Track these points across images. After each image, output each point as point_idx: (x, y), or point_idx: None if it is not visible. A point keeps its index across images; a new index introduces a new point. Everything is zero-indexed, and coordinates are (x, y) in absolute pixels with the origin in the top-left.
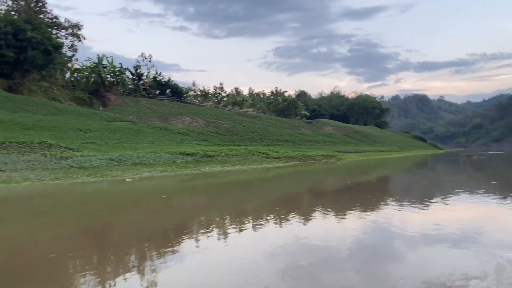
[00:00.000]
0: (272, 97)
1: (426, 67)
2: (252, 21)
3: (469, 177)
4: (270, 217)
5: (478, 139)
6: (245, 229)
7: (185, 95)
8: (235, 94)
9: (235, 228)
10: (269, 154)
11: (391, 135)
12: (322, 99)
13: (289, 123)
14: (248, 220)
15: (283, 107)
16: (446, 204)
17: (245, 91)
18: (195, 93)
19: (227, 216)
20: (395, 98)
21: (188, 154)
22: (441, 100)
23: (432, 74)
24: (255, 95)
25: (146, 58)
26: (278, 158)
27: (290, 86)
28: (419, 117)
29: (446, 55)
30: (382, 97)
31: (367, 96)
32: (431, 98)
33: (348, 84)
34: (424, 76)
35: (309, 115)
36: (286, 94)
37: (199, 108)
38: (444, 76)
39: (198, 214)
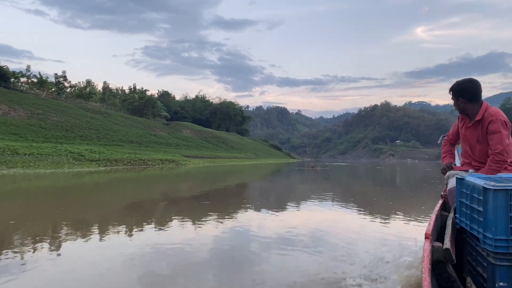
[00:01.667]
0: (131, 94)
1: (288, 82)
2: (121, 15)
3: (309, 187)
4: None
5: (327, 151)
6: None
7: (13, 80)
8: (84, 86)
9: None
10: (83, 155)
11: (250, 143)
12: (186, 101)
13: (143, 123)
14: None
15: (139, 105)
16: (277, 212)
17: (100, 86)
18: (29, 80)
19: None
20: (259, 108)
21: None
22: (298, 113)
23: (293, 90)
24: (113, 90)
25: None
26: (96, 160)
27: (158, 87)
28: (279, 127)
29: (305, 73)
30: (247, 106)
31: (231, 103)
32: (290, 111)
33: (217, 91)
34: (285, 91)
35: (169, 116)
36: (148, 93)
37: (27, 96)
38: (302, 92)
39: None
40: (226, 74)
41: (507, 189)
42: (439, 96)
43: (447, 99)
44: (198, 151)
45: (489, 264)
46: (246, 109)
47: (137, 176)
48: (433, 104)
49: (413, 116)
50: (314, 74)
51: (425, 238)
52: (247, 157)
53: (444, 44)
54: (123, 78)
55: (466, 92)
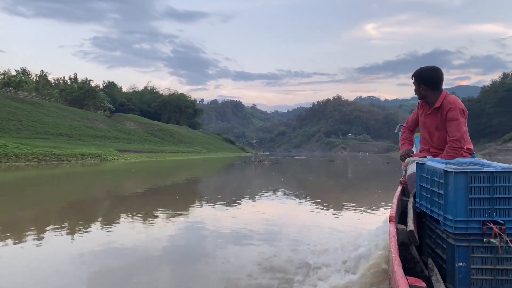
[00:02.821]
0: (71, 84)
1: (243, 76)
2: (67, 3)
3: (251, 185)
4: None
5: (282, 145)
6: None
7: None
8: (15, 74)
9: None
10: None
11: (202, 136)
12: (134, 93)
13: (81, 114)
14: None
15: (79, 95)
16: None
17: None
18: None
19: None
20: (214, 102)
21: None
22: (254, 107)
23: (248, 84)
24: (52, 80)
25: None
26: None
27: (109, 79)
28: (233, 121)
29: (260, 68)
30: (202, 100)
31: (182, 95)
32: (246, 105)
33: (171, 84)
34: (240, 85)
35: (113, 108)
36: (93, 84)
37: None
38: (257, 87)
39: None
40: (179, 67)
41: (467, 171)
42: (388, 91)
43: (395, 95)
44: (140, 145)
45: (448, 245)
46: (201, 102)
47: (31, 176)
48: (382, 99)
49: (363, 110)
50: (269, 68)
51: (390, 221)
52: (196, 151)
53: (392, 41)
54: (71, 70)
55: (429, 80)
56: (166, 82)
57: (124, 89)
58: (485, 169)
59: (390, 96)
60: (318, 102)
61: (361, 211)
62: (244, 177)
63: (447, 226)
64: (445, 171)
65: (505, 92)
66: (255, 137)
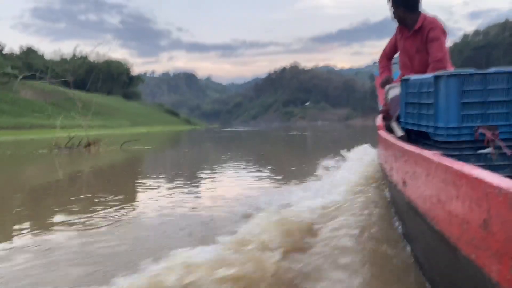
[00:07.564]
0: None
1: (197, 47)
2: None
3: None
4: None
5: (239, 117)
6: None
7: None
8: None
9: None
10: None
11: (135, 108)
12: (60, 61)
13: None
14: None
15: None
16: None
17: None
18: None
19: None
20: (166, 74)
21: None
22: (208, 79)
23: (202, 55)
24: None
25: None
26: None
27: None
28: (187, 94)
29: (214, 38)
30: (153, 72)
31: (116, 62)
32: (200, 77)
33: (121, 58)
34: (194, 56)
35: (17, 74)
36: (6, 51)
37: None
38: (212, 58)
39: None
40: (129, 39)
41: (459, 74)
42: (343, 60)
43: (350, 63)
44: (14, 119)
45: None
46: (151, 75)
47: None
48: (337, 68)
49: (321, 78)
50: (223, 38)
51: (378, 130)
52: (112, 125)
53: (345, 9)
54: (9, 45)
55: (406, 1)
56: (116, 55)
57: (48, 55)
58: (478, 71)
59: (345, 65)
60: (275, 70)
61: None
62: None
63: (438, 135)
64: (436, 77)
65: (473, 50)
66: (230, 115)
